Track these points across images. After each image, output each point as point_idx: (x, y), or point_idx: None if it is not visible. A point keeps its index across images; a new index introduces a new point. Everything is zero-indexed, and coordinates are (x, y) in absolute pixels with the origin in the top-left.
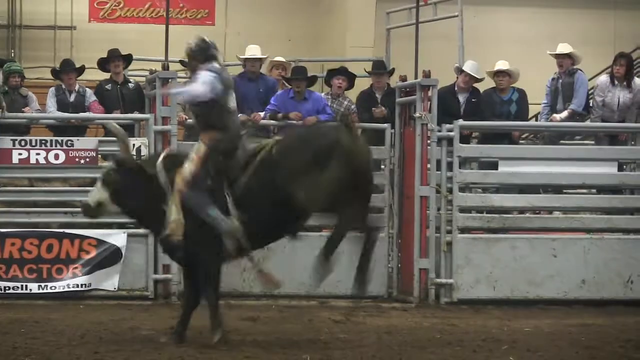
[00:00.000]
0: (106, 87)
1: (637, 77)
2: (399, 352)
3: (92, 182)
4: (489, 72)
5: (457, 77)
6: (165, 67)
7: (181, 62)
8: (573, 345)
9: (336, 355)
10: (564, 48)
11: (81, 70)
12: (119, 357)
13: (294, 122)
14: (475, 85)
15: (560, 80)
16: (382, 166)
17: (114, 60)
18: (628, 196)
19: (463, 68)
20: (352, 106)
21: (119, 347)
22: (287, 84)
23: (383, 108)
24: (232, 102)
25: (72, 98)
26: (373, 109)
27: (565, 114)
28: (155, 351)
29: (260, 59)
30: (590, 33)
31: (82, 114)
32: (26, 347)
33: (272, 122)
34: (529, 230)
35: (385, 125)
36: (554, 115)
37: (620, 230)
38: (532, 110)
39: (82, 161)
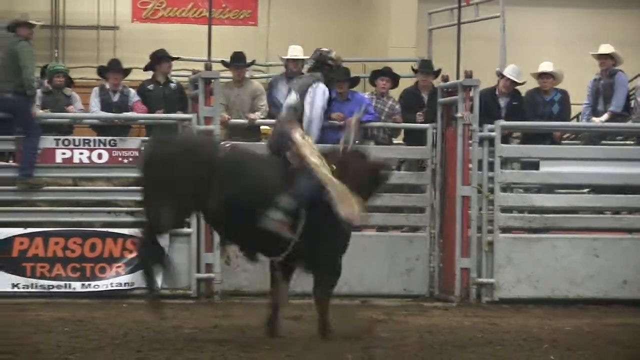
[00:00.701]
0: (149, 87)
1: None
2: (440, 352)
3: (135, 182)
4: (534, 74)
5: (498, 81)
6: (208, 67)
7: (223, 62)
8: (613, 344)
9: (378, 354)
10: (605, 49)
11: (127, 71)
12: (161, 356)
13: (336, 122)
14: (518, 87)
15: (602, 81)
16: (424, 166)
17: (162, 61)
18: None
19: (504, 73)
20: (397, 106)
21: (161, 345)
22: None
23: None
24: None
25: (115, 98)
26: (418, 113)
27: (605, 116)
28: (197, 350)
29: (302, 59)
30: (631, 34)
31: (125, 114)
32: (69, 346)
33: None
34: (569, 230)
35: (428, 125)
36: (594, 118)
37: None
38: (574, 110)
39: (126, 161)
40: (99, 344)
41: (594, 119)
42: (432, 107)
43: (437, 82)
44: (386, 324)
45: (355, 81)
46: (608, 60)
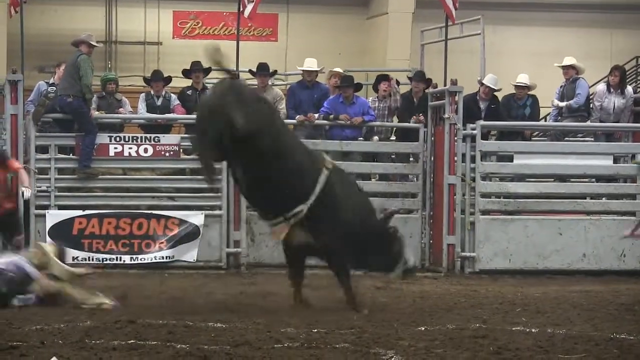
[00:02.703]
0: (187, 92)
1: (629, 85)
2: (430, 314)
3: (175, 172)
4: (513, 85)
5: (479, 88)
6: (236, 76)
7: (250, 71)
8: (575, 307)
9: (378, 315)
10: (568, 61)
11: (168, 80)
12: (198, 317)
13: (343, 122)
14: (495, 93)
15: (566, 87)
16: (417, 159)
17: (196, 71)
18: (621, 184)
19: (483, 81)
20: (397, 104)
21: (197, 309)
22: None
23: (422, 117)
24: None
25: (159, 102)
26: (413, 117)
27: (563, 104)
28: (227, 312)
29: (315, 70)
30: (591, 48)
31: (167, 115)
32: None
33: (325, 122)
34: (538, 212)
35: (419, 124)
36: (554, 100)
37: (614, 212)
38: (542, 112)
39: (167, 154)
40: (145, 308)
41: (554, 100)
42: (422, 109)
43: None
44: (384, 291)
45: (358, 87)
46: (571, 70)
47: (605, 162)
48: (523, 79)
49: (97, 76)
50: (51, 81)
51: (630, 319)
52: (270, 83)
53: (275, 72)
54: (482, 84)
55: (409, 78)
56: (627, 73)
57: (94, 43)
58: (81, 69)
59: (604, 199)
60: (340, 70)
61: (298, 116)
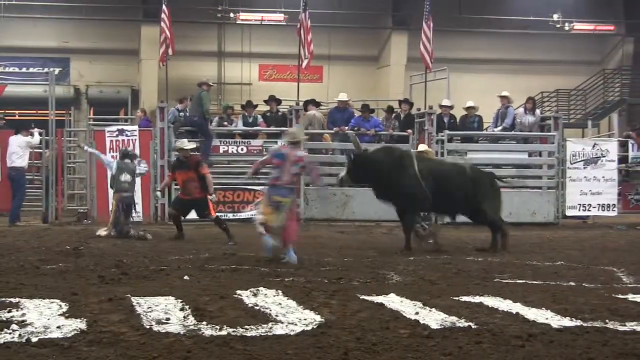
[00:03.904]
0: (267, 114)
1: (537, 109)
2: (417, 250)
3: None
4: (465, 107)
5: (441, 109)
6: (297, 103)
7: (305, 101)
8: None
9: (387, 251)
10: (504, 92)
11: (255, 106)
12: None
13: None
14: (452, 112)
15: (501, 111)
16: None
17: (271, 101)
18: (532, 170)
19: (441, 103)
20: (397, 123)
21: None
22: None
23: (410, 130)
24: None
25: (250, 120)
26: (407, 130)
27: (500, 128)
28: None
29: (346, 100)
30: (515, 87)
31: (255, 128)
32: (221, 248)
33: (351, 132)
34: None
35: (409, 132)
36: (495, 129)
37: (528, 187)
38: (485, 125)
39: (255, 152)
40: (239, 245)
41: (495, 129)
42: (408, 123)
43: (415, 110)
44: (388, 235)
45: (372, 111)
46: (505, 99)
47: (523, 156)
48: (469, 103)
49: (213, 104)
50: (181, 107)
51: (539, 252)
52: (315, 109)
53: (319, 103)
54: (441, 106)
55: (400, 102)
56: (536, 102)
57: (211, 84)
58: (203, 100)
59: (521, 178)
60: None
61: (335, 128)
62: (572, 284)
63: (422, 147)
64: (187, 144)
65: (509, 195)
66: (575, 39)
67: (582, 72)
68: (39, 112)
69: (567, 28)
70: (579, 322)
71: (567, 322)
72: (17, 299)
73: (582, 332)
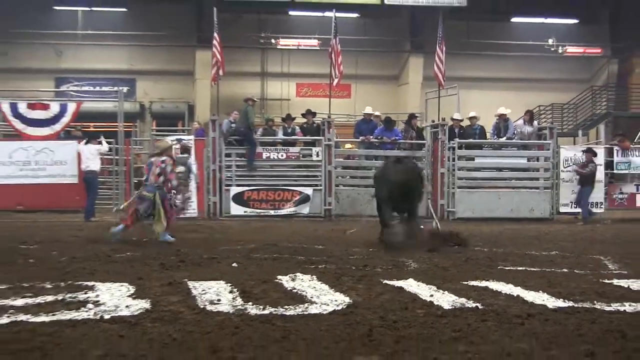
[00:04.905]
0: (304, 125)
1: (535, 120)
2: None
3: (298, 167)
4: (468, 117)
5: (452, 121)
6: (329, 116)
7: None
8: (507, 237)
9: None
10: (502, 110)
11: (294, 119)
12: (309, 243)
13: (385, 141)
14: (462, 124)
15: (500, 124)
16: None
17: (307, 114)
18: (532, 172)
19: (452, 117)
20: (414, 133)
21: (306, 239)
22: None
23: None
24: None
25: (289, 130)
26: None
27: (504, 139)
28: (324, 240)
29: (371, 113)
30: (517, 101)
31: (293, 137)
32: (270, 238)
33: (376, 140)
34: (488, 187)
35: (425, 141)
36: (499, 139)
37: (526, 187)
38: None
39: (293, 157)
40: (279, 238)
41: (500, 139)
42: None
43: (430, 122)
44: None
45: (393, 122)
46: (503, 114)
47: (522, 161)
48: (472, 114)
49: (258, 117)
50: (231, 119)
51: (536, 243)
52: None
53: (315, 113)
54: (452, 119)
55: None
56: (534, 114)
57: (255, 99)
58: (248, 114)
59: (520, 180)
60: (378, 113)
61: (361, 137)
62: (565, 270)
63: None
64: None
65: (510, 195)
66: (567, 60)
67: (573, 88)
68: (110, 124)
69: (560, 51)
70: (571, 304)
71: (560, 303)
72: (92, 283)
73: (574, 312)
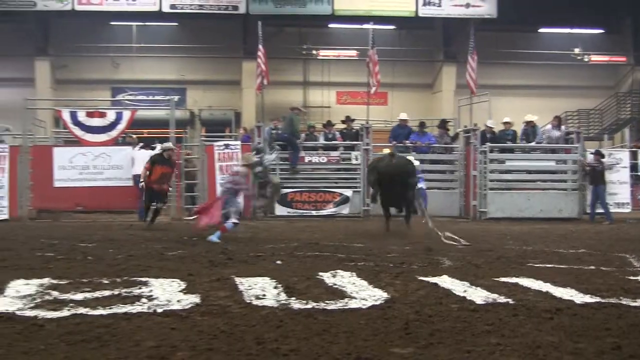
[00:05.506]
0: (343, 131)
1: (563, 125)
2: (466, 236)
3: (338, 170)
4: (502, 123)
5: (486, 127)
6: (367, 122)
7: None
8: (535, 236)
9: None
10: (529, 117)
11: (334, 125)
12: (348, 241)
13: (420, 146)
14: (494, 129)
15: (527, 130)
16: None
17: (347, 121)
18: (560, 175)
19: (486, 124)
20: (449, 139)
21: (345, 236)
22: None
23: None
24: None
25: (330, 135)
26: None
27: (534, 143)
28: (364, 238)
29: (406, 119)
30: (545, 107)
31: (334, 142)
32: (312, 236)
33: (411, 144)
34: (518, 188)
35: (458, 145)
36: (528, 143)
37: (555, 188)
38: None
39: (334, 161)
40: (321, 237)
41: (530, 144)
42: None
43: (463, 127)
44: (443, 227)
45: (425, 126)
46: (531, 122)
47: (551, 163)
48: (506, 119)
49: (301, 124)
50: (272, 126)
51: (561, 241)
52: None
53: (385, 121)
54: (486, 126)
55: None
56: (561, 119)
57: (301, 109)
58: (294, 122)
59: (549, 182)
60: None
61: (394, 142)
62: (592, 267)
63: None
64: (171, 145)
65: (539, 196)
66: (593, 68)
67: (599, 95)
68: (162, 130)
69: (586, 59)
70: (597, 299)
71: (588, 298)
72: (145, 278)
73: (601, 307)
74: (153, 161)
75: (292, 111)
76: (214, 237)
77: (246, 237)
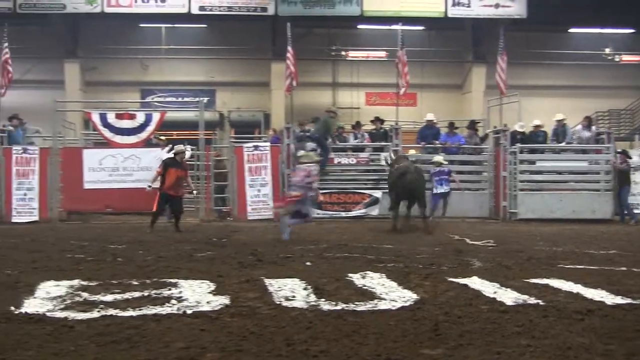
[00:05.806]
0: (372, 132)
1: (593, 126)
2: (494, 236)
3: (367, 171)
4: (533, 125)
5: (516, 129)
6: (396, 123)
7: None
8: (566, 237)
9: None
10: (559, 117)
11: (362, 125)
12: (377, 242)
13: (450, 146)
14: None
15: (558, 129)
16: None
17: (376, 121)
18: (592, 175)
19: (516, 128)
20: (478, 140)
21: (375, 236)
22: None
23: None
24: None
25: (359, 136)
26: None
27: (564, 144)
28: (392, 239)
29: (433, 120)
30: (575, 108)
31: (363, 143)
32: (341, 237)
33: (440, 145)
34: (549, 189)
35: (487, 146)
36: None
37: (587, 189)
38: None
39: (362, 162)
40: (350, 238)
41: (560, 144)
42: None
43: (492, 127)
44: (473, 228)
45: (455, 127)
46: (561, 121)
47: (582, 164)
48: (536, 122)
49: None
50: (300, 129)
51: (592, 242)
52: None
53: (415, 122)
54: (516, 130)
55: (474, 122)
56: (592, 119)
57: (336, 112)
58: (329, 124)
59: (581, 182)
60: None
61: (422, 142)
62: (623, 268)
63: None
64: (187, 150)
65: (571, 197)
66: (623, 68)
67: (629, 95)
68: (191, 132)
69: (617, 59)
70: (629, 300)
71: (619, 300)
72: (175, 280)
73: (632, 309)
74: (166, 165)
75: (328, 113)
76: (285, 235)
77: (275, 238)
